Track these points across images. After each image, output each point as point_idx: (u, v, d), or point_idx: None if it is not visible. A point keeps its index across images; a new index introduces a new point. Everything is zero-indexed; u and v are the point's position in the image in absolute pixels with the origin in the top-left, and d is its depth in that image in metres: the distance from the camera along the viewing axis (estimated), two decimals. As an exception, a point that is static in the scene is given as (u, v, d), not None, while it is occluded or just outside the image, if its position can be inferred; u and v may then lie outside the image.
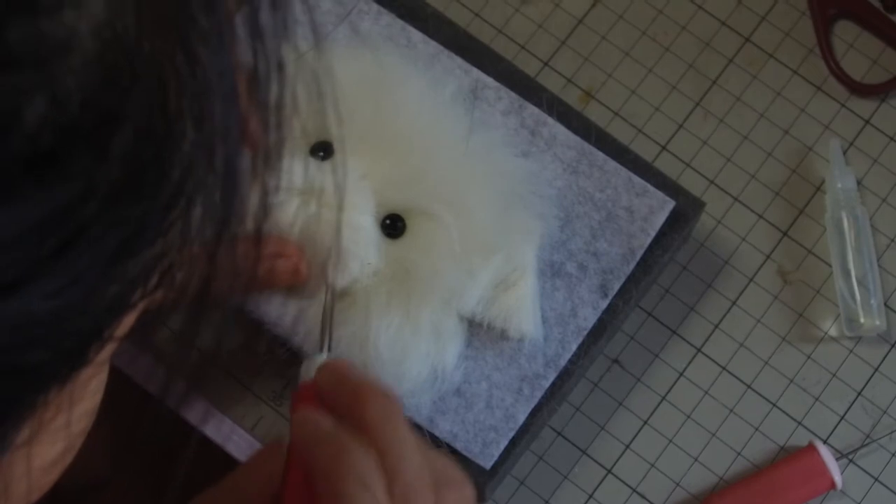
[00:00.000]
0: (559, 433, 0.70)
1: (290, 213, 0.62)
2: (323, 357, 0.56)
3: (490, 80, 0.69)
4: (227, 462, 0.66)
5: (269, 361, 0.66)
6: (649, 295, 0.71)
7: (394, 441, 0.50)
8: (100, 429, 0.41)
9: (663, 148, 0.74)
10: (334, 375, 0.54)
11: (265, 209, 0.35)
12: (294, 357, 0.63)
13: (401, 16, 0.70)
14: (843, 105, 0.75)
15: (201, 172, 0.32)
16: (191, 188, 0.32)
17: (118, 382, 0.41)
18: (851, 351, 0.71)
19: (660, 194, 0.67)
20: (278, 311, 0.63)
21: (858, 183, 0.73)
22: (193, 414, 0.66)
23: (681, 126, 0.74)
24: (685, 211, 0.68)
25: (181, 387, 0.39)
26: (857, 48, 0.76)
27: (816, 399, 0.70)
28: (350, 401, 0.51)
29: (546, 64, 0.75)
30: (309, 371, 0.56)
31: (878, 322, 0.70)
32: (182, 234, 0.33)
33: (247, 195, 0.34)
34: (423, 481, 0.50)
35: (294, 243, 0.62)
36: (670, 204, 0.67)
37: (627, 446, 0.70)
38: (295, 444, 0.52)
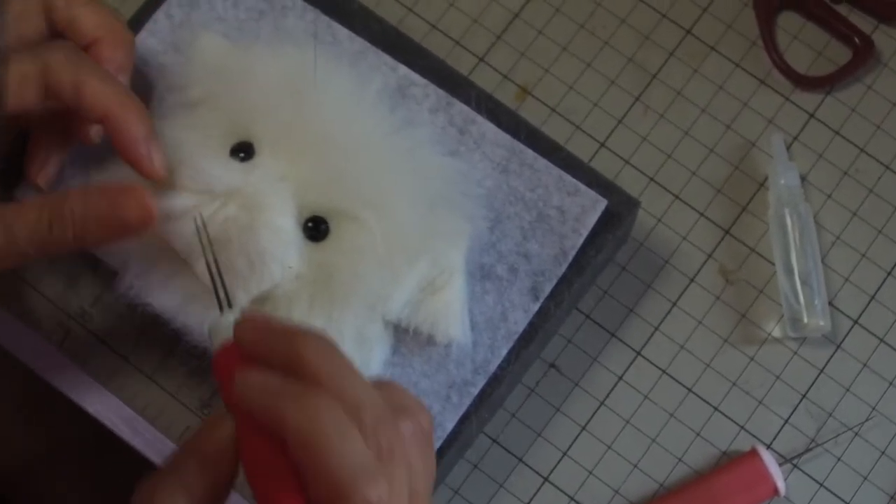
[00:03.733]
0: (494, 440, 0.67)
1: (208, 214, 0.60)
2: (230, 317, 0.52)
3: (417, 77, 0.66)
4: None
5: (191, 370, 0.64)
6: (587, 297, 0.69)
7: (346, 380, 0.48)
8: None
9: (602, 145, 0.72)
10: (256, 330, 0.51)
11: None
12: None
13: (326, 12, 0.68)
14: (787, 99, 0.72)
15: None
16: None
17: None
18: (795, 352, 0.69)
19: (592, 193, 0.65)
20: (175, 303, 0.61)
21: (803, 179, 0.71)
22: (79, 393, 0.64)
23: (620, 122, 0.72)
24: (619, 210, 0.65)
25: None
26: (801, 40, 0.73)
27: (760, 402, 0.68)
28: (284, 350, 0.49)
29: (481, 59, 0.73)
30: (220, 333, 0.52)
31: (822, 322, 0.68)
32: None
33: None
34: (385, 413, 0.48)
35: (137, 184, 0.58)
36: (602, 203, 0.65)
37: (565, 453, 0.67)
38: (244, 407, 0.49)
